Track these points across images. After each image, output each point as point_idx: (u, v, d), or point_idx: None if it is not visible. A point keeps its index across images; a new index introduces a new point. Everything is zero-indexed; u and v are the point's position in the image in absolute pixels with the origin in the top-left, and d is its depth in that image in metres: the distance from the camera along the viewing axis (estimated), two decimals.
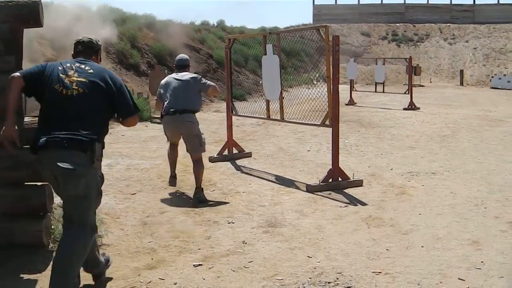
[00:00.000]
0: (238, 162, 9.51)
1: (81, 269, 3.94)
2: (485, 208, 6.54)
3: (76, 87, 3.88)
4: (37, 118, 4.06)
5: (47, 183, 4.54)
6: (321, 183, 7.50)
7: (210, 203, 6.89)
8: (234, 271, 4.61)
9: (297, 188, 7.66)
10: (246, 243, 5.36)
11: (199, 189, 7.05)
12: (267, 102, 9.01)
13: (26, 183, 4.85)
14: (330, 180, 7.59)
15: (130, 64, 20.18)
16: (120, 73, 18.09)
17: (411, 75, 21.48)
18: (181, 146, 7.45)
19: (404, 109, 18.82)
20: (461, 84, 34.76)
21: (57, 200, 4.83)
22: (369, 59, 30.26)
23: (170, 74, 7.95)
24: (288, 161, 9.65)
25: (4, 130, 3.77)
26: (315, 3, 47.62)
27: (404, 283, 4.27)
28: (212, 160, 9.50)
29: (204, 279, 4.42)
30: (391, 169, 8.87)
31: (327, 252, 5.06)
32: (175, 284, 4.32)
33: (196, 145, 7.18)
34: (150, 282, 4.35)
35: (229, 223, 6.06)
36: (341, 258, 4.89)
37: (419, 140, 11.83)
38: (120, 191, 7.39)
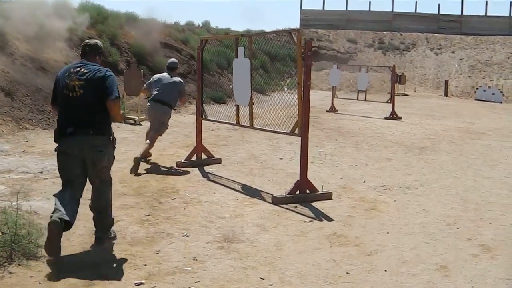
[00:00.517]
0: (207, 168, 9.10)
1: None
2: (457, 228, 6.20)
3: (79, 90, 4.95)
4: None
5: None
6: (287, 195, 7.11)
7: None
8: None
9: (263, 199, 7.26)
10: (196, 259, 4.95)
11: (137, 159, 8.46)
12: (237, 107, 8.59)
13: None
14: (298, 192, 7.21)
15: (108, 62, 19.68)
16: None
17: (394, 83, 21.15)
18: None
19: (386, 118, 18.46)
20: (446, 94, 34.55)
21: None
22: (354, 66, 29.88)
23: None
24: (258, 169, 9.24)
25: None
26: (303, 7, 47.29)
27: None
28: (179, 165, 9.09)
29: None
30: (364, 181, 8.49)
31: (282, 273, 4.67)
32: None
33: (158, 129, 9.19)
34: None
35: (183, 236, 5.66)
36: (296, 281, 4.50)
37: (397, 151, 11.47)
38: None
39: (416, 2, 62.71)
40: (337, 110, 20.52)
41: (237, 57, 8.34)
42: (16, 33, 14.87)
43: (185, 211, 6.59)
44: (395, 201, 7.38)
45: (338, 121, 17.11)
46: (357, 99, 22.53)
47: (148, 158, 9.37)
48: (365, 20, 45.07)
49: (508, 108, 26.69)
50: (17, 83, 12.80)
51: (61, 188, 5.05)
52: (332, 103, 21.03)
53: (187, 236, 5.65)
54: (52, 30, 15.74)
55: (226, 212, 6.58)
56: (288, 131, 7.53)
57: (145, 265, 4.77)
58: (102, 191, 5.23)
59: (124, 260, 4.87)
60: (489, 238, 5.89)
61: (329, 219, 6.40)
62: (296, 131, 7.28)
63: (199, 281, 4.43)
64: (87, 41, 5.35)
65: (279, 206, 6.89)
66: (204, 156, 9.52)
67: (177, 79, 9.38)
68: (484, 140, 13.74)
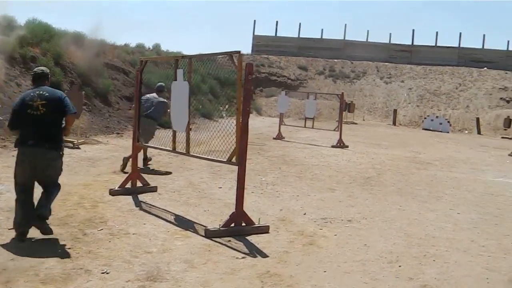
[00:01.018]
0: (141, 197, 8.58)
1: None
2: (399, 266, 5.87)
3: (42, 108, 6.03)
4: None
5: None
6: (221, 228, 6.67)
7: None
8: None
9: (195, 231, 6.80)
10: None
11: (125, 158, 10.55)
12: (174, 132, 8.13)
13: None
14: (233, 225, 6.77)
15: (52, 82, 18.94)
16: None
17: (342, 111, 21.05)
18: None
19: (332, 146, 18.27)
20: (394, 123, 34.84)
21: None
22: (304, 93, 29.78)
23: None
24: (195, 198, 8.77)
25: None
26: (255, 33, 47.29)
27: None
28: (112, 193, 8.56)
29: None
30: (305, 213, 8.12)
31: None
32: None
33: (146, 138, 10.27)
34: None
35: (102, 273, 5.15)
36: None
37: (341, 181, 11.18)
38: None
39: (368, 30, 63.40)
40: (284, 138, 20.25)
41: (175, 80, 7.93)
42: None
43: (110, 244, 6.08)
44: (335, 235, 7.02)
45: (284, 149, 16.80)
46: (305, 126, 22.32)
47: (149, 163, 11.68)
48: (317, 48, 45.37)
49: (455, 138, 26.99)
50: None
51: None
52: (279, 130, 20.77)
53: (107, 273, 5.15)
54: None
55: (154, 246, 6.10)
56: (223, 160, 7.13)
57: None
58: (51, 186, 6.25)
59: None
60: (432, 277, 5.57)
61: (264, 255, 5.98)
62: (234, 159, 6.89)
63: None
64: (35, 69, 6.55)
65: (211, 239, 6.44)
66: (139, 183, 9.02)
67: (162, 99, 11.64)
68: (430, 170, 13.62)
